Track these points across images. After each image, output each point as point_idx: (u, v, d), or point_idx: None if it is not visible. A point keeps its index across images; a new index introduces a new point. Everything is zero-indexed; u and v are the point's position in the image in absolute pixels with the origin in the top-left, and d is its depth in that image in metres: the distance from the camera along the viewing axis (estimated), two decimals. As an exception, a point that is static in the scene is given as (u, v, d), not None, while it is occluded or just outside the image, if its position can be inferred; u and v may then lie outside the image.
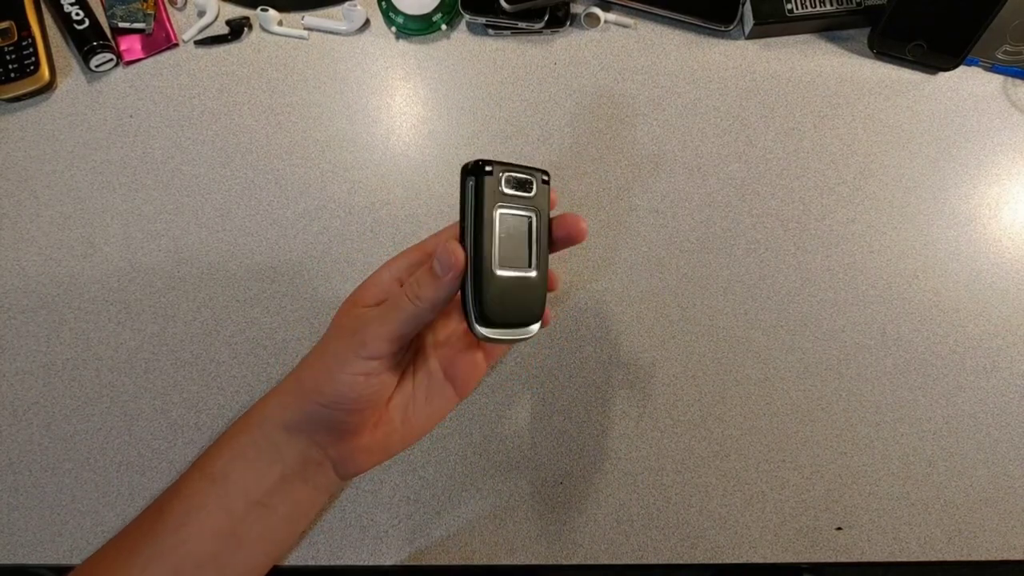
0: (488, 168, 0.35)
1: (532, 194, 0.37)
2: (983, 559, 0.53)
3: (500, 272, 0.36)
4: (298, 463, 0.39)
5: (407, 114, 0.60)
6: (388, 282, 0.39)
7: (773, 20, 0.59)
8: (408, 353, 0.41)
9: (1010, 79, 0.60)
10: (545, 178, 0.38)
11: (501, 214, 0.36)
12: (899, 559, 0.53)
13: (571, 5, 0.61)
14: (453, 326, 0.42)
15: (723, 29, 0.60)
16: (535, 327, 0.38)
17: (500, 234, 0.36)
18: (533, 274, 0.37)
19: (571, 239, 0.39)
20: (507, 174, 0.36)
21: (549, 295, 0.39)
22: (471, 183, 0.35)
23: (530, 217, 0.37)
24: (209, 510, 0.38)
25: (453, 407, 0.42)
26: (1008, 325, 0.56)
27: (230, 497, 0.38)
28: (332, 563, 0.52)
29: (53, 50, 0.61)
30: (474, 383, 0.42)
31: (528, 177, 0.37)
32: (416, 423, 0.41)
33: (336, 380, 0.36)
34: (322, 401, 0.37)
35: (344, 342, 0.36)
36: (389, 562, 0.52)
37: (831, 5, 0.59)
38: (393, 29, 0.61)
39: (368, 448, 0.39)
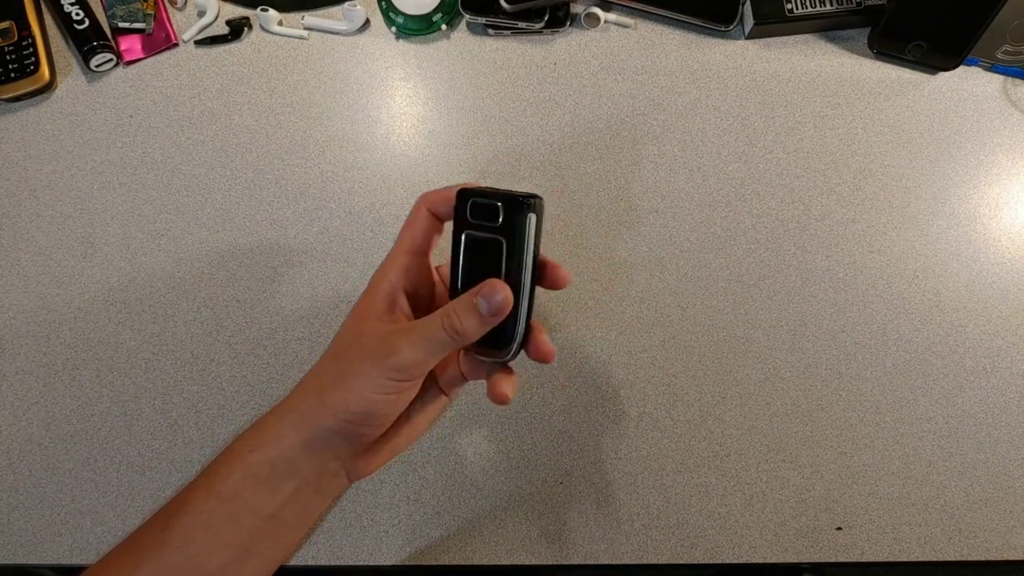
0: (460, 194, 0.37)
1: (497, 223, 0.36)
2: (983, 559, 0.53)
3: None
4: (314, 476, 0.39)
5: (407, 114, 0.60)
6: (392, 291, 0.39)
7: (773, 20, 0.59)
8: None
9: (1010, 79, 0.60)
10: (517, 206, 0.36)
11: (464, 239, 0.37)
12: (899, 559, 0.53)
13: (571, 5, 0.61)
14: None
15: (723, 29, 0.60)
16: (507, 351, 0.38)
17: (464, 257, 0.37)
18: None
19: (553, 285, 0.39)
20: (473, 200, 0.37)
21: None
22: (454, 208, 0.37)
23: (499, 243, 0.37)
24: (218, 527, 0.38)
25: (445, 408, 0.44)
26: (1008, 325, 0.56)
27: (241, 515, 0.38)
28: (332, 563, 0.52)
29: (53, 50, 0.61)
30: (455, 389, 0.43)
31: (491, 204, 0.36)
32: (417, 424, 0.42)
33: (366, 399, 0.37)
34: (349, 418, 0.37)
35: (371, 363, 0.36)
36: (389, 562, 0.52)
37: (831, 5, 0.59)
38: (393, 29, 0.61)
39: (378, 452, 0.40)
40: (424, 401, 0.42)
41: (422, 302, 0.41)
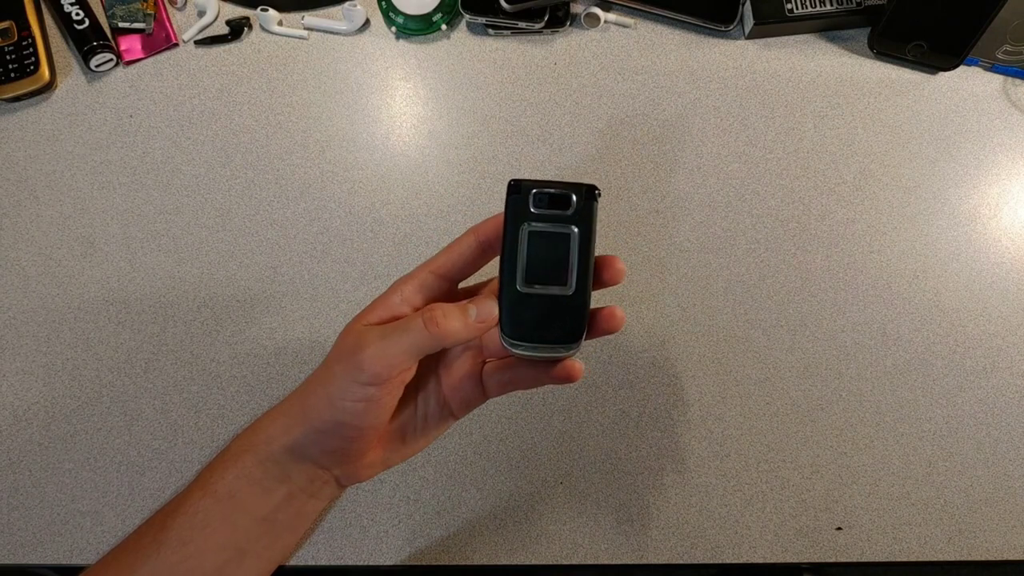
0: (515, 186, 0.35)
1: (569, 212, 0.36)
2: (983, 559, 0.53)
3: (525, 288, 0.36)
4: (306, 481, 0.39)
5: (407, 114, 0.60)
6: (399, 305, 0.37)
7: (773, 20, 0.59)
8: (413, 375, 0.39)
9: (1010, 79, 0.60)
10: (588, 195, 0.36)
11: (530, 231, 0.36)
12: (899, 559, 0.53)
13: (571, 5, 0.61)
14: (459, 351, 0.41)
15: (723, 29, 0.60)
16: (570, 346, 0.37)
17: (527, 250, 0.36)
18: (568, 292, 0.36)
19: (607, 281, 0.38)
20: (536, 191, 0.35)
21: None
22: (506, 201, 0.36)
23: (569, 234, 0.36)
24: (214, 527, 0.38)
25: (449, 427, 0.42)
26: (1008, 325, 0.56)
27: (236, 515, 0.38)
28: (332, 563, 0.52)
29: (53, 50, 0.61)
30: (469, 411, 0.41)
31: (564, 193, 0.35)
32: (415, 442, 0.41)
33: (335, 407, 0.35)
34: (322, 428, 0.36)
35: (343, 365, 0.35)
36: (389, 562, 0.52)
37: (831, 5, 0.59)
38: (393, 29, 0.61)
39: (370, 464, 0.39)
40: (428, 422, 0.40)
41: None
